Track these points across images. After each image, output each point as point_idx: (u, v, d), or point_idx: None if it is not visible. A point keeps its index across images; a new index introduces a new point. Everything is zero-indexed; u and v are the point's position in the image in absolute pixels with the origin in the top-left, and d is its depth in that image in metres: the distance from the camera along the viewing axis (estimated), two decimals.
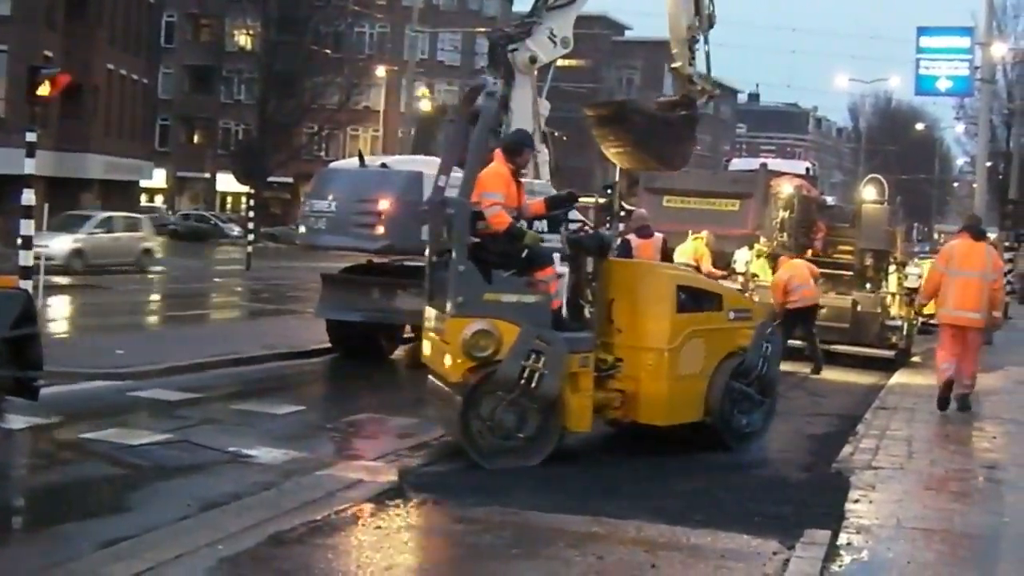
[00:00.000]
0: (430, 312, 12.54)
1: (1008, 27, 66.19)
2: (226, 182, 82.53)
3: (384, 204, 18.09)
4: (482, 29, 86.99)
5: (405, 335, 20.97)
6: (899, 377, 21.35)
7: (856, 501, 10.48)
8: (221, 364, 18.19)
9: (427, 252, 13.08)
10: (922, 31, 38.57)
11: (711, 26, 21.71)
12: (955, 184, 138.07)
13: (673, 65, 21.72)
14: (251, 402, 15.33)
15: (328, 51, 61.57)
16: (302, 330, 22.54)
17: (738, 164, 31.44)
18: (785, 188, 22.59)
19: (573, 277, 12.60)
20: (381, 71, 77.45)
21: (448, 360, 11.69)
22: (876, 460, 12.55)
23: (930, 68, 38.30)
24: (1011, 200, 53.61)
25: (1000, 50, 48.94)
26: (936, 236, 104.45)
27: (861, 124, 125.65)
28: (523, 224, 12.50)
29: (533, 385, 11.55)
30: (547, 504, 10.14)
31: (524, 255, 12.11)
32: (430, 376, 12.71)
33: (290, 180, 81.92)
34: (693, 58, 21.56)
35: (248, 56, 75.74)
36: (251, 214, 49.27)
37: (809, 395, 18.92)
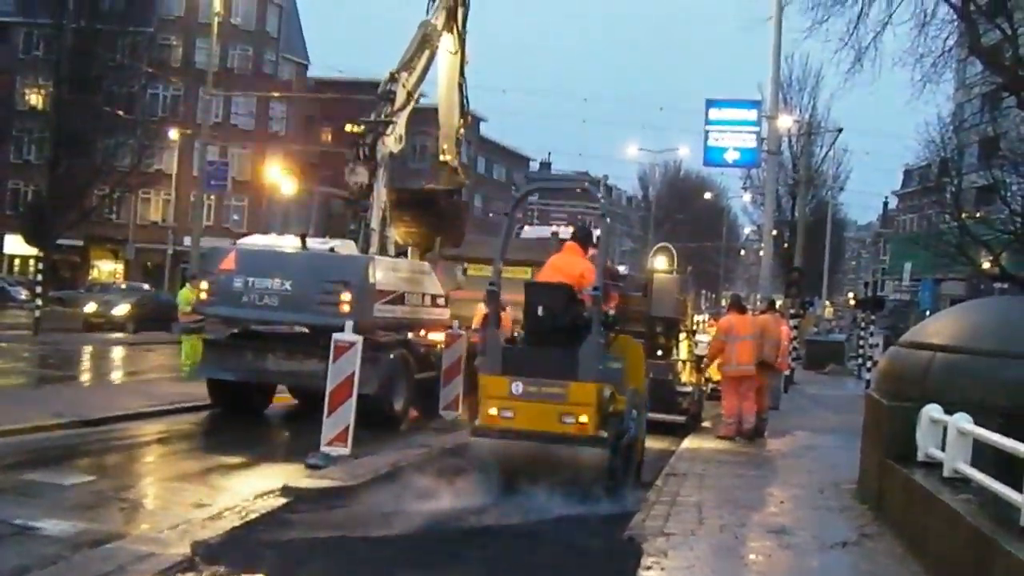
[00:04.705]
0: (497, 381, 14.32)
1: (793, 100, 68.13)
2: (14, 244, 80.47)
3: (349, 285, 20.53)
4: (276, 94, 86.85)
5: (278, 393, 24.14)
6: (689, 442, 21.81)
7: (649, 568, 10.64)
8: (6, 433, 17.59)
9: (490, 329, 15.20)
10: (711, 103, 39.34)
11: (467, 124, 27.28)
12: (742, 252, 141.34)
13: (443, 159, 26.46)
14: (38, 472, 14.95)
15: (121, 112, 60.58)
16: (92, 397, 22.19)
17: (529, 232, 31.78)
18: None
19: None
20: (174, 134, 76.55)
21: (585, 419, 13.94)
22: (668, 526, 12.77)
23: (719, 140, 39.10)
24: (796, 268, 54.90)
25: (786, 122, 50.42)
26: (723, 303, 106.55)
27: (651, 193, 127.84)
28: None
29: (633, 432, 15.27)
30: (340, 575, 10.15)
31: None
32: (494, 442, 14.28)
33: (80, 243, 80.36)
34: (459, 152, 26.67)
35: (39, 115, 74.07)
36: (39, 277, 48.17)
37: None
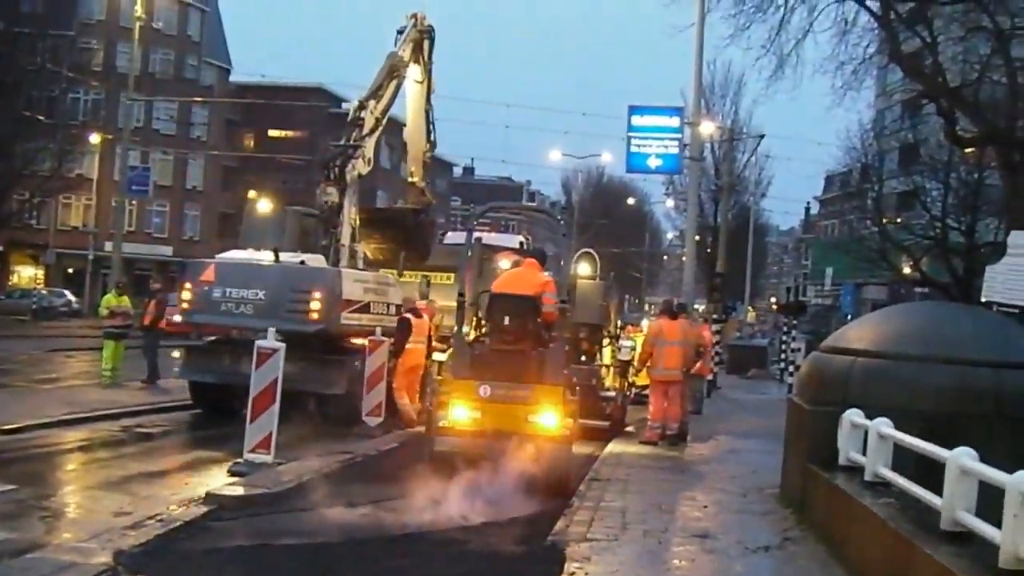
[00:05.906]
0: (469, 384, 15.47)
1: (716, 106, 68.51)
2: None
3: (318, 294, 22.28)
4: (198, 99, 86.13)
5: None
6: (613, 447, 21.83)
7: (572, 574, 10.66)
8: None
9: (463, 334, 16.53)
10: (634, 110, 39.37)
11: (433, 148, 29.18)
12: (665, 257, 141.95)
13: (411, 180, 28.74)
14: None
15: (41, 117, 59.90)
16: (13, 404, 21.90)
17: (453, 237, 31.84)
18: (503, 263, 22.97)
19: None
20: (95, 138, 75.85)
21: (555, 419, 15.33)
22: (591, 532, 12.79)
23: (641, 146, 39.13)
24: (718, 273, 55.16)
25: (708, 128, 50.63)
26: (647, 307, 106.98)
27: (574, 198, 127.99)
28: None
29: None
30: None
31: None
32: (458, 439, 15.38)
33: None
34: (425, 174, 28.96)
35: None
36: None
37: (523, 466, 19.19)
